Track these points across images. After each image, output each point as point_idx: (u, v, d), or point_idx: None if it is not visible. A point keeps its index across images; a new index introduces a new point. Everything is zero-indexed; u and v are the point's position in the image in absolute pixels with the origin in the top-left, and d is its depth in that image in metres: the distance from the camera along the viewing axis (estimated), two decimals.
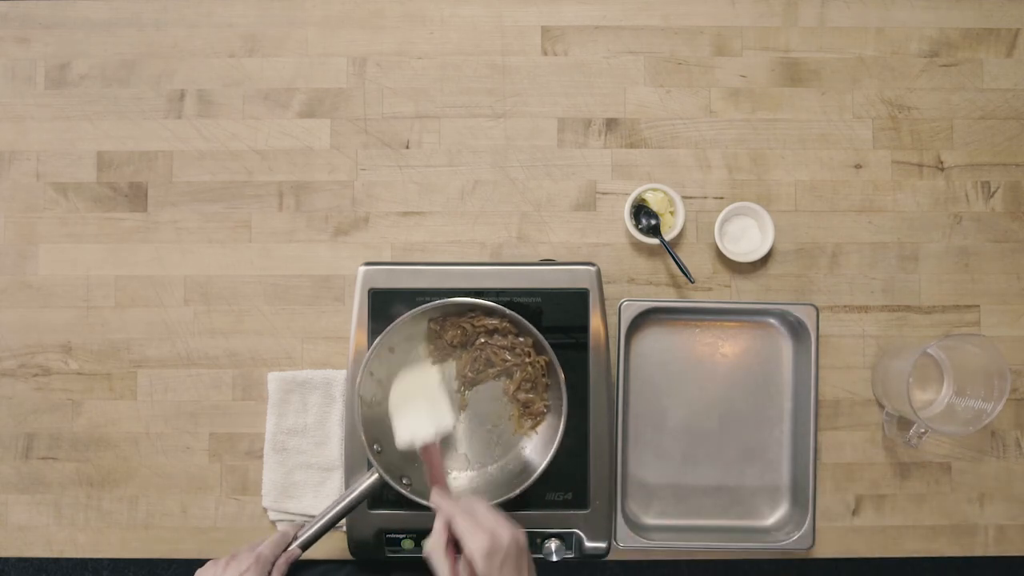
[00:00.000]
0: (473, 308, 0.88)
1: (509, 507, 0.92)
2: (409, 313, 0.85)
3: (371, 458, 0.83)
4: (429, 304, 0.85)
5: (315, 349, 1.00)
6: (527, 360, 0.89)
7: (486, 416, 0.91)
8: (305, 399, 0.98)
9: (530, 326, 0.86)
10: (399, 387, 0.86)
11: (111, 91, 1.02)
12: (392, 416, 0.84)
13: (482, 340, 0.90)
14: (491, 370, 0.90)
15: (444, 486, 0.78)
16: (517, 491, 0.84)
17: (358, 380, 0.84)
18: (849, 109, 1.02)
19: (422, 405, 0.83)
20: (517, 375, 0.89)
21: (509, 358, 0.89)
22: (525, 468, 0.88)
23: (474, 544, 0.69)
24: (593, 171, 1.01)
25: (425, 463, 0.81)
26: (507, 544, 0.69)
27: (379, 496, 0.91)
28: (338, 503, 0.82)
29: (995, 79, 1.02)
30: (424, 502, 0.81)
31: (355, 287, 0.93)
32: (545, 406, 0.90)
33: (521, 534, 0.72)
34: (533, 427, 0.90)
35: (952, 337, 0.94)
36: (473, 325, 0.89)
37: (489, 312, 0.88)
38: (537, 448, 0.89)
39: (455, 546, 0.72)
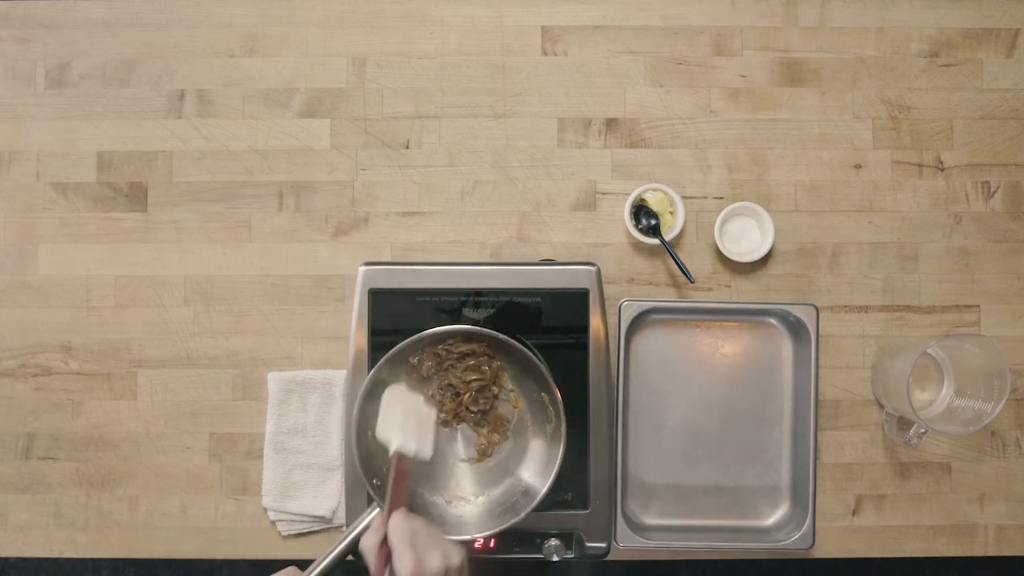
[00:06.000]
0: (453, 335, 0.87)
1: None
2: (403, 344, 0.84)
3: (371, 492, 0.83)
4: (420, 335, 0.84)
5: (315, 349, 1.00)
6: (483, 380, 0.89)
7: (467, 445, 0.91)
8: (305, 399, 0.98)
9: (518, 347, 0.84)
10: (397, 390, 0.86)
11: (111, 91, 1.02)
12: (382, 407, 0.84)
13: (449, 364, 0.89)
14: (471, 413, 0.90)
15: (400, 500, 0.77)
16: (520, 516, 0.83)
17: (354, 416, 0.83)
18: (849, 109, 1.02)
19: (413, 420, 0.83)
20: (466, 398, 0.89)
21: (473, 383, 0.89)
22: (527, 491, 0.87)
23: (400, 565, 0.69)
24: (593, 171, 1.01)
25: (392, 471, 0.79)
26: (433, 573, 0.70)
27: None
28: (341, 541, 0.81)
29: (995, 79, 1.02)
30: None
31: (355, 287, 0.93)
32: (498, 431, 0.90)
33: (456, 561, 0.72)
34: (496, 443, 0.90)
35: (952, 337, 0.94)
36: (449, 351, 0.89)
37: (468, 337, 0.88)
38: (536, 471, 0.88)
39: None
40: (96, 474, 0.99)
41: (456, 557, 0.73)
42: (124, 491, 0.99)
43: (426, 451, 0.83)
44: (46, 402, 1.00)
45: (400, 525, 0.73)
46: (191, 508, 0.99)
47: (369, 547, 0.73)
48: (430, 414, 0.86)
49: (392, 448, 0.80)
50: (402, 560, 0.69)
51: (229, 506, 0.99)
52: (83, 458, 1.00)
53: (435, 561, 0.71)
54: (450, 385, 0.89)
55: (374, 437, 0.87)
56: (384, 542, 0.72)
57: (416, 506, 0.86)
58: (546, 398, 0.87)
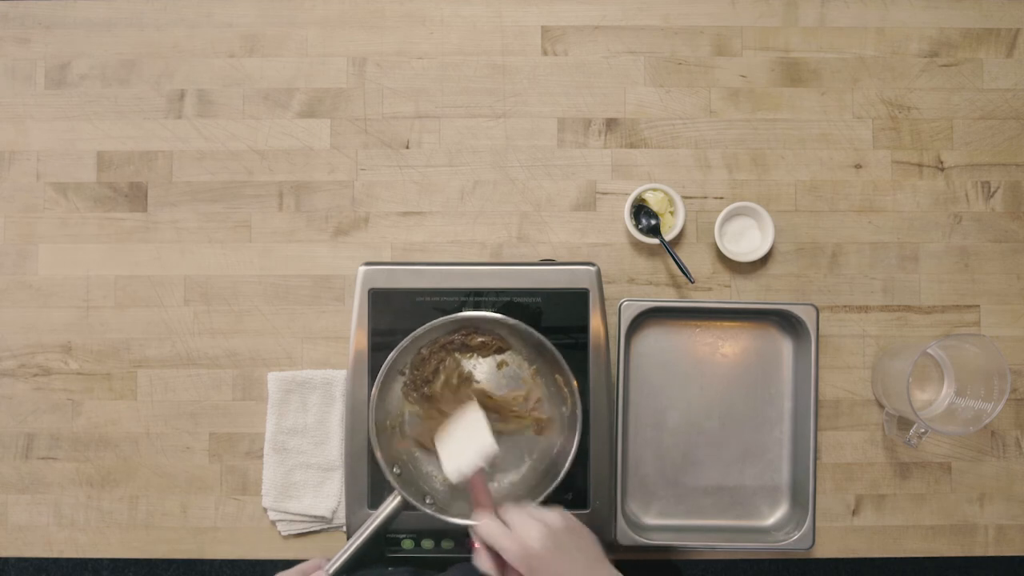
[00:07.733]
0: (466, 323, 0.89)
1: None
2: (426, 325, 0.86)
3: (392, 481, 0.83)
4: (432, 323, 0.86)
5: (315, 349, 1.00)
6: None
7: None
8: (305, 399, 0.98)
9: (536, 335, 0.86)
10: (442, 433, 0.86)
11: (111, 91, 1.02)
12: (440, 454, 0.84)
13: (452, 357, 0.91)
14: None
15: (486, 507, 0.77)
16: (552, 487, 0.85)
17: (371, 404, 0.85)
18: (849, 109, 1.02)
19: (463, 436, 0.83)
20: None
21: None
22: (552, 465, 0.88)
23: (507, 556, 0.69)
24: (593, 171, 1.01)
25: (472, 488, 0.79)
26: (539, 544, 0.68)
27: (378, 496, 0.91)
28: (366, 528, 0.82)
29: (995, 79, 1.02)
30: (449, 519, 0.82)
31: (355, 287, 0.93)
32: (531, 401, 0.91)
33: (556, 523, 0.70)
34: (539, 425, 0.91)
35: (952, 337, 0.94)
36: (465, 344, 0.90)
37: (475, 329, 0.90)
38: (555, 452, 0.90)
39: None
40: (96, 474, 0.99)
41: (557, 521, 0.71)
42: (124, 491, 0.99)
43: (488, 450, 0.80)
44: (46, 402, 1.00)
45: (490, 521, 0.72)
46: (191, 508, 0.99)
47: (484, 568, 0.72)
48: (474, 418, 0.84)
49: (468, 475, 0.79)
50: (507, 551, 0.68)
51: (229, 506, 0.99)
52: (83, 458, 1.00)
53: (552, 516, 0.70)
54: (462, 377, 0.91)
55: (390, 428, 0.89)
56: (495, 556, 0.71)
57: (437, 492, 0.88)
58: (560, 379, 0.88)
